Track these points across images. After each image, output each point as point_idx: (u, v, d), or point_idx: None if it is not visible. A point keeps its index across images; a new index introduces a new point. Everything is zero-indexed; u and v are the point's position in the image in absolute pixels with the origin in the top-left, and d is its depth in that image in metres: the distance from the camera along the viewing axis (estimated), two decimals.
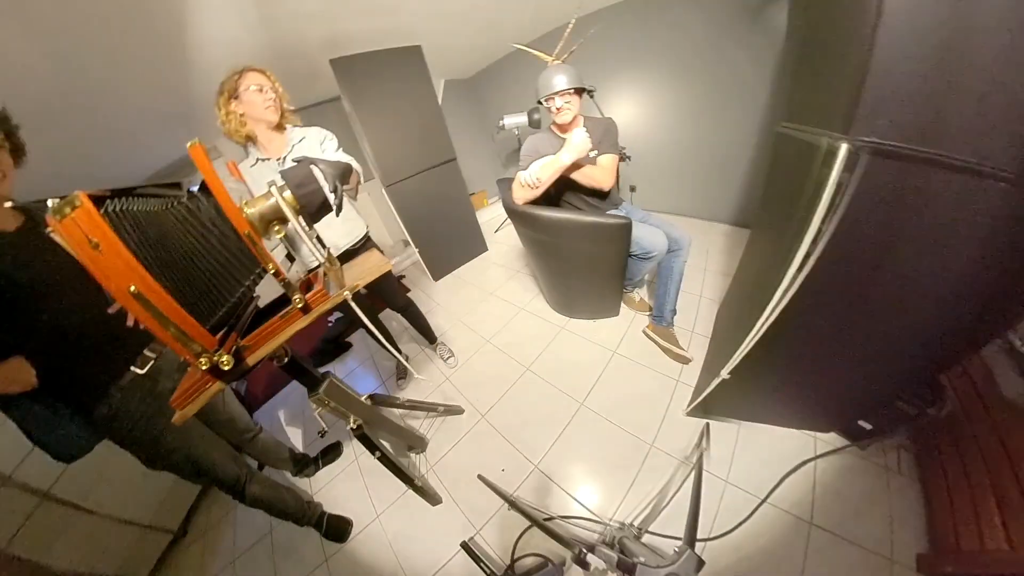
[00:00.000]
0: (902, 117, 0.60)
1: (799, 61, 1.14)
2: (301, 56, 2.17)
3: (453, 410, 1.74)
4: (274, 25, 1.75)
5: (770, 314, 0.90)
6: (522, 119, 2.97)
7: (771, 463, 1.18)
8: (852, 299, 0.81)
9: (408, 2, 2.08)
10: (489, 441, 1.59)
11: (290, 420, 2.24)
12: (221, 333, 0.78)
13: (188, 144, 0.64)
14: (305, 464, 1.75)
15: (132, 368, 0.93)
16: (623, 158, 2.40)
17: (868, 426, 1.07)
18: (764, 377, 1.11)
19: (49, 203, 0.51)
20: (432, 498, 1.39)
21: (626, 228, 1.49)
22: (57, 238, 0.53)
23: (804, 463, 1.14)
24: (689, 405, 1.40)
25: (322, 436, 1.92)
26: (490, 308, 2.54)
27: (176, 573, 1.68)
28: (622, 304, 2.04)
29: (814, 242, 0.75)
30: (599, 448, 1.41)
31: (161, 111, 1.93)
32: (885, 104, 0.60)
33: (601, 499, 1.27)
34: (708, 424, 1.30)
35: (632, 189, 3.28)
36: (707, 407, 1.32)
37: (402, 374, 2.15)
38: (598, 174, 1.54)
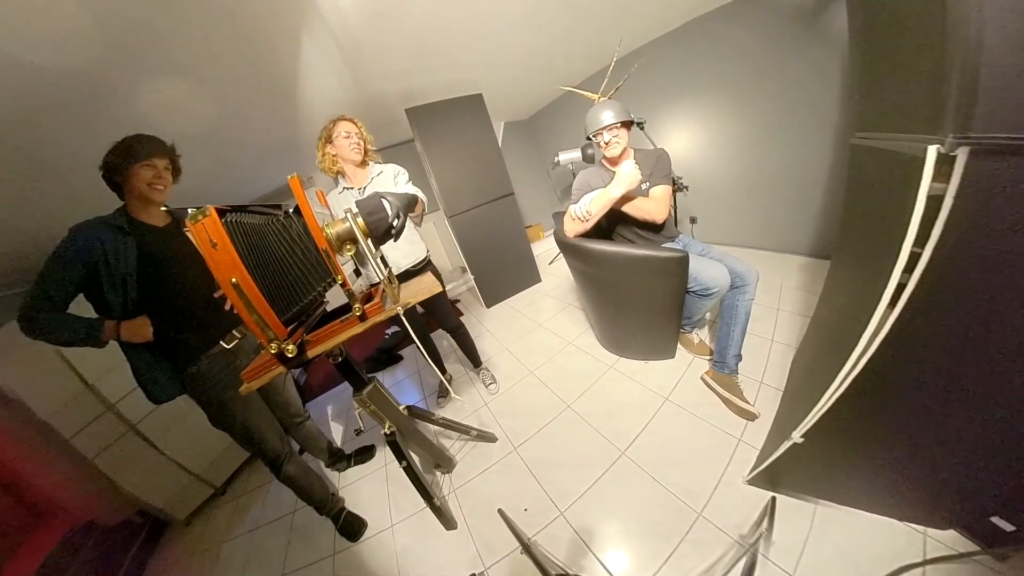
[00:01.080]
0: (1014, 108, 0.47)
1: (868, 63, 0.99)
2: (383, 106, 2.63)
3: (486, 436, 1.69)
4: (362, 83, 2.18)
5: (856, 363, 0.73)
6: (576, 154, 3.05)
7: (858, 562, 0.91)
8: (974, 341, 0.61)
9: (470, 57, 2.39)
10: (517, 475, 1.49)
11: (335, 415, 2.42)
12: (292, 327, 0.92)
13: (288, 176, 0.85)
14: (339, 458, 1.86)
15: (221, 343, 1.25)
16: (679, 188, 2.32)
17: (1009, 527, 0.78)
18: (852, 445, 0.89)
19: (189, 211, 0.71)
20: (448, 521, 1.33)
21: (682, 262, 1.38)
22: (191, 235, 0.72)
23: (907, 568, 0.86)
24: (751, 472, 1.16)
25: (357, 435, 2.10)
26: (538, 339, 2.48)
27: (207, 523, 1.96)
28: (679, 346, 1.85)
29: (908, 270, 0.61)
30: (636, 506, 1.23)
31: (272, 147, 2.47)
32: (993, 94, 0.48)
33: (629, 566, 1.08)
34: (774, 499, 1.06)
35: (692, 221, 3.10)
36: (774, 477, 1.09)
37: (443, 392, 2.18)
38: (650, 206, 1.48)
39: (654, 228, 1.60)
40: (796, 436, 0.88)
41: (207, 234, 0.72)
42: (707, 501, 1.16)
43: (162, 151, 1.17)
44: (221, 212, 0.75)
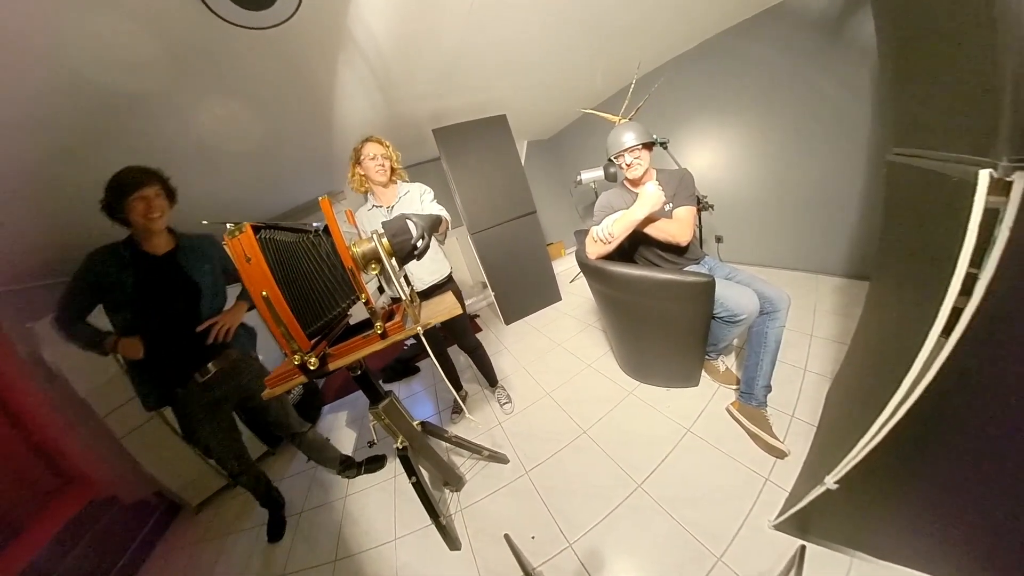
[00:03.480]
0: None
1: (901, 74, 0.93)
2: (412, 126, 2.78)
3: (498, 457, 1.65)
4: (392, 104, 2.33)
5: (904, 398, 0.67)
6: (598, 173, 3.06)
7: None
8: None
9: (494, 80, 2.51)
10: (527, 500, 1.44)
11: (350, 422, 2.47)
12: (315, 340, 0.95)
13: (320, 198, 0.90)
14: (348, 466, 1.88)
15: (195, 375, 1.37)
16: (704, 208, 2.26)
17: None
18: (896, 492, 0.79)
19: (228, 226, 0.76)
20: (453, 541, 1.30)
21: (706, 286, 1.33)
22: (227, 249, 0.77)
23: None
24: (779, 516, 1.07)
25: (371, 446, 2.11)
26: (556, 360, 2.44)
27: (217, 512, 2.08)
28: (703, 374, 1.76)
29: (964, 292, 0.56)
30: (651, 545, 1.15)
31: (308, 162, 2.66)
32: None
33: None
34: (803, 547, 0.96)
35: (718, 240, 3.00)
36: (804, 523, 1.00)
37: (457, 409, 2.16)
38: (673, 228, 1.45)
39: (678, 250, 1.56)
40: (830, 482, 0.80)
41: (242, 249, 0.76)
42: (728, 545, 1.07)
43: (150, 180, 1.25)
44: (256, 229, 0.79)
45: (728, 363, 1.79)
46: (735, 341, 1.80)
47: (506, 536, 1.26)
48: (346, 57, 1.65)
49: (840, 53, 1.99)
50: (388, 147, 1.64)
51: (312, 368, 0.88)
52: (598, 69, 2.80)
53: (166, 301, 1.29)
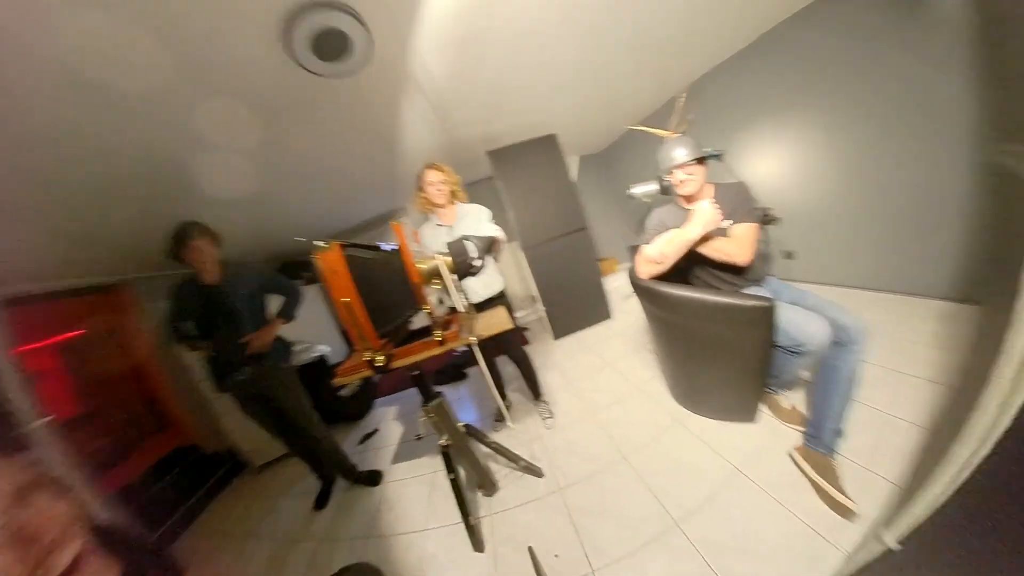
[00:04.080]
0: None
1: (1004, 55, 0.75)
2: (467, 149, 3.02)
3: (534, 470, 1.66)
4: (448, 131, 2.60)
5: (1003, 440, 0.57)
6: (652, 187, 2.91)
7: None
8: None
9: (543, 102, 2.63)
10: (556, 517, 1.42)
11: (398, 416, 2.72)
12: (383, 341, 1.10)
13: (392, 223, 1.19)
14: (349, 475, 2.06)
15: (236, 375, 1.77)
16: (768, 221, 2.06)
17: None
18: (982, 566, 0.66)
19: (318, 243, 0.93)
20: (478, 543, 1.34)
21: (765, 311, 1.22)
22: (317, 262, 0.94)
23: None
24: None
25: (418, 440, 2.27)
26: (604, 379, 2.38)
27: (275, 475, 2.47)
28: (764, 409, 1.58)
29: None
30: None
31: (374, 184, 3.07)
32: None
33: None
34: None
35: (788, 256, 2.67)
36: None
37: (499, 417, 2.21)
38: (731, 247, 1.35)
39: (737, 270, 1.44)
40: (891, 541, 0.69)
41: (330, 263, 0.93)
42: None
43: (200, 233, 1.66)
44: (343, 246, 0.96)
45: (796, 400, 1.59)
46: (804, 375, 1.59)
47: (530, 549, 1.26)
48: (407, 93, 1.92)
49: (926, 31, 1.68)
50: (447, 172, 1.83)
51: (379, 364, 1.03)
52: (643, 82, 2.77)
53: (217, 319, 1.73)
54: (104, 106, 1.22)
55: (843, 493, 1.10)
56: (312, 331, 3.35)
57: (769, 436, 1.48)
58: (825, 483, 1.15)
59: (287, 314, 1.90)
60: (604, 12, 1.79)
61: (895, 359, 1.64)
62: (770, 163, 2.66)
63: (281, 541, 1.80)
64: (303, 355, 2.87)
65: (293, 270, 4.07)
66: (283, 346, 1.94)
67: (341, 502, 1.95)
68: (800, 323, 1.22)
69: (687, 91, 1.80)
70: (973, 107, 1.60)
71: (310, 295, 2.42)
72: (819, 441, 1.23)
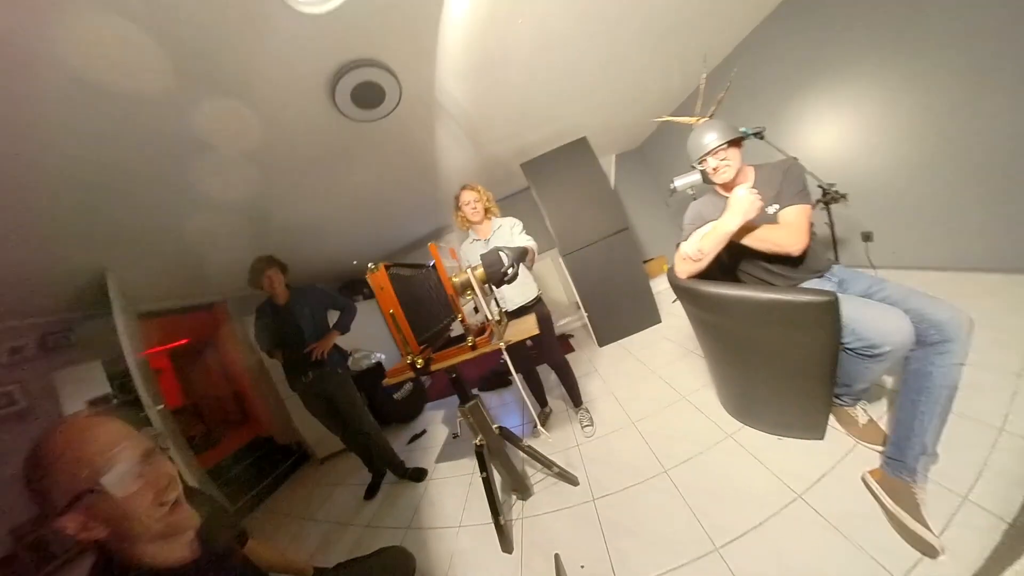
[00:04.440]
0: None
1: None
2: (500, 165, 3.19)
3: (568, 478, 1.63)
4: (482, 150, 2.78)
5: None
6: (695, 177, 2.68)
7: None
8: None
9: (567, 107, 2.66)
10: (587, 528, 1.37)
11: (445, 419, 2.90)
12: (423, 346, 1.25)
13: (429, 244, 1.28)
14: (398, 470, 2.22)
15: (302, 378, 2.11)
16: (832, 200, 1.86)
17: None
18: None
19: (369, 265, 1.09)
20: (507, 544, 1.36)
21: (826, 307, 1.05)
22: (369, 280, 1.11)
23: None
24: None
25: (455, 438, 2.45)
26: (648, 388, 2.24)
27: (334, 467, 2.71)
28: (833, 423, 1.36)
29: None
30: None
31: (418, 207, 3.46)
32: None
33: None
34: None
35: (866, 238, 2.31)
36: None
37: (540, 422, 2.18)
38: (779, 235, 1.19)
39: (791, 261, 1.26)
40: None
41: (378, 281, 1.09)
42: None
43: (270, 265, 2.04)
44: (387, 267, 1.12)
45: (873, 413, 1.34)
46: (886, 383, 1.34)
47: (556, 556, 1.23)
48: (439, 122, 2.14)
49: None
50: (480, 191, 1.95)
51: (419, 367, 1.15)
52: (669, 67, 2.65)
53: (286, 333, 2.08)
54: (213, 170, 1.74)
55: (926, 526, 0.90)
56: (372, 341, 3.66)
57: (840, 457, 1.26)
58: (904, 514, 0.95)
59: (343, 326, 2.20)
60: (614, 6, 1.81)
61: (1009, 360, 1.32)
62: (828, 133, 2.34)
63: (333, 524, 2.00)
64: (363, 361, 3.16)
65: (355, 287, 4.71)
66: (340, 354, 2.23)
67: (388, 494, 2.12)
68: (872, 320, 1.03)
69: (710, 73, 1.67)
70: None
71: (367, 309, 2.70)
72: (901, 465, 1.02)
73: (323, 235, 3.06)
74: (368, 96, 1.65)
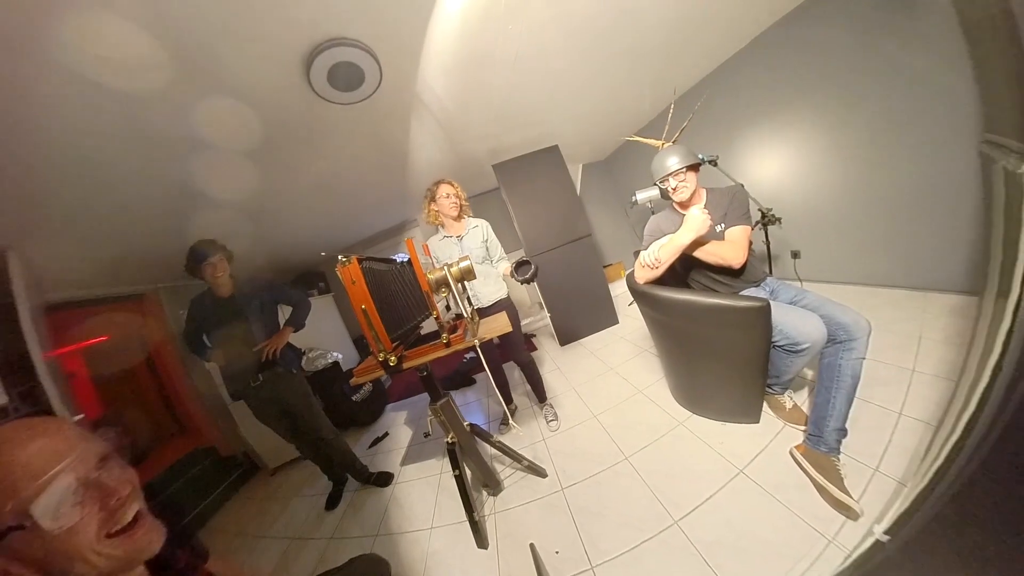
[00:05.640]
0: None
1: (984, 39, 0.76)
2: (473, 164, 3.17)
3: (537, 470, 1.69)
4: (457, 147, 2.74)
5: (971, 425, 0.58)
6: (654, 192, 2.95)
7: None
8: None
9: (545, 115, 2.75)
10: (558, 516, 1.44)
11: (407, 421, 2.80)
12: (395, 344, 1.17)
13: (406, 239, 1.26)
14: (361, 476, 2.10)
15: (251, 381, 1.84)
16: (769, 222, 2.09)
17: None
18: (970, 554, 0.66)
19: (340, 257, 1.01)
20: (482, 540, 1.37)
21: (760, 311, 1.23)
22: (339, 274, 1.02)
23: None
24: None
25: (426, 437, 2.39)
26: (607, 383, 2.39)
27: (287, 478, 2.53)
28: (766, 409, 1.58)
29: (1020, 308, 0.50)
30: None
31: (386, 199, 3.29)
32: None
33: None
34: None
35: (794, 256, 2.68)
36: None
37: (505, 420, 2.24)
38: (724, 251, 1.38)
39: (733, 273, 1.47)
40: (878, 531, 0.70)
41: (349, 274, 1.01)
42: None
43: (215, 250, 1.75)
44: (360, 260, 1.05)
45: (797, 399, 1.58)
46: (807, 374, 1.58)
47: (531, 546, 1.28)
48: (416, 115, 2.06)
49: (928, 16, 1.66)
50: (457, 188, 1.94)
51: (392, 364, 1.11)
52: (642, 90, 2.84)
53: (231, 329, 1.81)
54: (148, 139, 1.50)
55: (846, 493, 1.09)
56: (326, 339, 3.45)
57: (771, 436, 1.48)
58: (827, 482, 1.14)
59: (296, 323, 1.98)
60: (602, 24, 1.87)
61: (907, 357, 1.63)
62: (771, 164, 2.68)
63: (292, 539, 1.84)
64: (318, 361, 2.96)
65: (309, 281, 4.28)
66: (294, 353, 2.00)
67: (351, 503, 2.00)
68: (794, 322, 1.24)
69: (679, 100, 1.85)
70: (974, 97, 1.56)
71: (323, 305, 2.53)
72: (820, 440, 1.23)
73: (277, 221, 2.74)
74: (346, 77, 1.54)
